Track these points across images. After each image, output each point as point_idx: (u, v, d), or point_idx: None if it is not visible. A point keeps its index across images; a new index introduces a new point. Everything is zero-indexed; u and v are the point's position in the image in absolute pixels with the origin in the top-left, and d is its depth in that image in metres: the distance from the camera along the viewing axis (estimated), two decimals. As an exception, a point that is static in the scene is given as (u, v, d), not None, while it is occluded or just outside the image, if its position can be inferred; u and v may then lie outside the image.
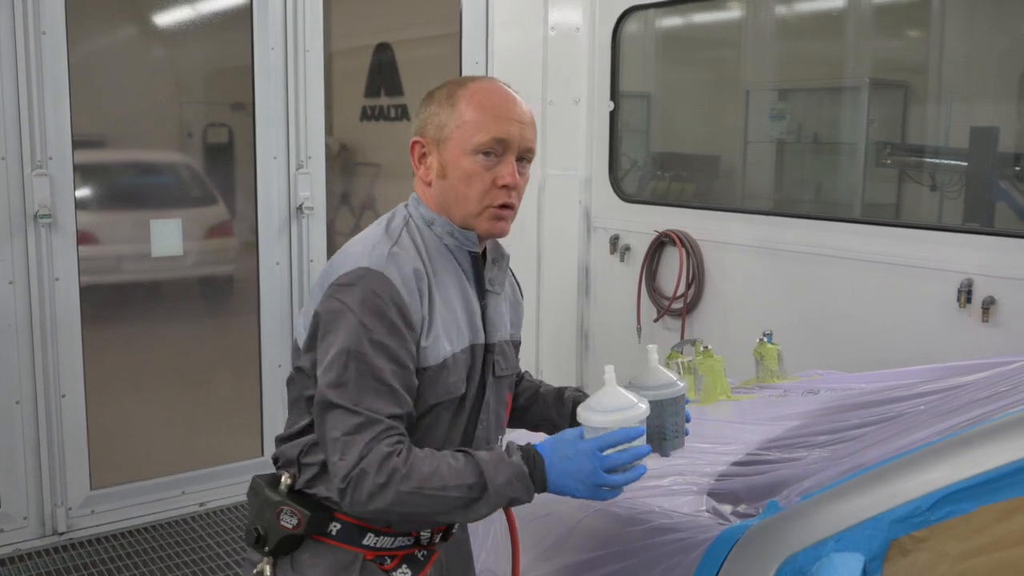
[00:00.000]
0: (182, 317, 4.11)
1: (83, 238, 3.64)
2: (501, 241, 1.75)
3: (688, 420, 1.73)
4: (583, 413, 1.54)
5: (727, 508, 1.93)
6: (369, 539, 1.61)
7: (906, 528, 1.49)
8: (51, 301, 3.52)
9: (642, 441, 1.55)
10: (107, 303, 3.82)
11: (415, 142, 1.67)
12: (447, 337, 1.58)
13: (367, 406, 1.48)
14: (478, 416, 1.68)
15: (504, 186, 1.58)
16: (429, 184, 1.65)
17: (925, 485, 1.49)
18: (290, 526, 1.59)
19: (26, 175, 3.43)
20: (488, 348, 1.67)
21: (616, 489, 1.55)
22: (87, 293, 3.64)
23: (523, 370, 1.95)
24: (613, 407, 1.52)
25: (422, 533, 1.66)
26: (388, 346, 1.50)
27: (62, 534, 3.63)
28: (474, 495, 1.50)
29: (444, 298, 1.60)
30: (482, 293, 1.67)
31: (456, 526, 1.76)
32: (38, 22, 3.39)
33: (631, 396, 1.54)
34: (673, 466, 2.20)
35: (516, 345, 1.79)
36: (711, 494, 2.02)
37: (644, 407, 1.54)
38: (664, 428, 1.68)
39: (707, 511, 1.94)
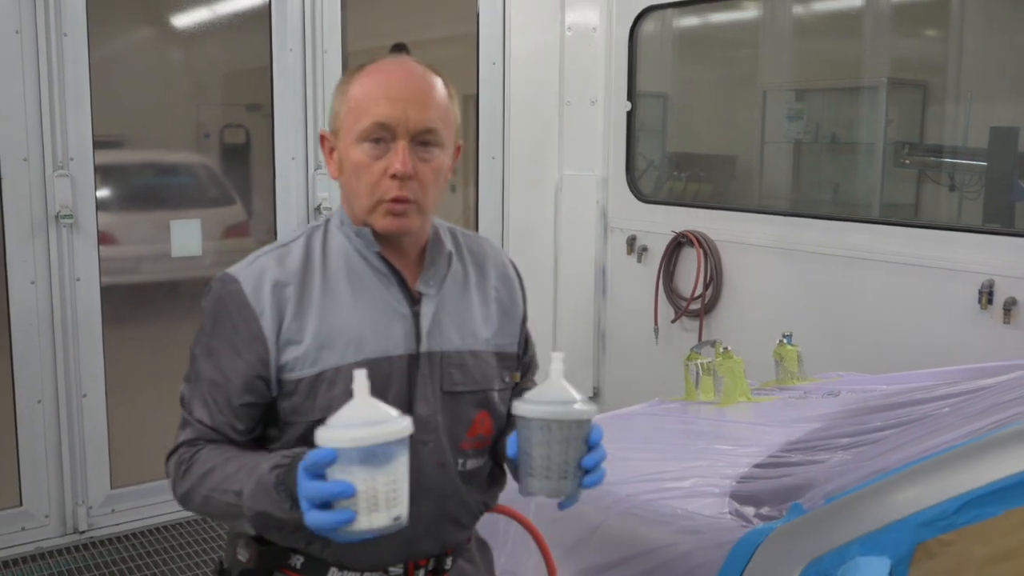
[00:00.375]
0: (201, 317, 4.12)
1: (103, 238, 3.67)
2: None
3: (593, 465, 1.30)
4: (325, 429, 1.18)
5: (750, 510, 1.93)
6: (333, 574, 1.47)
7: (932, 531, 1.49)
8: (72, 301, 3.55)
9: (378, 480, 1.14)
10: (127, 303, 3.85)
11: (322, 136, 1.52)
12: (330, 348, 1.41)
13: (189, 407, 1.45)
14: (411, 436, 1.39)
15: (394, 176, 1.39)
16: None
17: (951, 488, 1.49)
18: (244, 559, 1.48)
19: (48, 176, 3.45)
20: (427, 358, 1.46)
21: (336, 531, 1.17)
22: (107, 293, 3.67)
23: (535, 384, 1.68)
24: (360, 420, 1.15)
25: (391, 569, 1.47)
26: (217, 355, 1.43)
27: (83, 532, 3.65)
28: (239, 503, 1.33)
29: (332, 306, 1.43)
30: (412, 297, 1.48)
31: (457, 558, 1.55)
32: (59, 24, 3.41)
33: (390, 411, 1.17)
34: (694, 468, 2.21)
35: (501, 356, 1.56)
36: (733, 496, 2.02)
37: (400, 426, 1.15)
38: (550, 462, 1.28)
39: (730, 513, 1.94)
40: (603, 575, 1.95)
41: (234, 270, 1.46)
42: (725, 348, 2.89)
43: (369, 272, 1.47)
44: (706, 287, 4.13)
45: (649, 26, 4.55)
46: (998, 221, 3.91)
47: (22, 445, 3.52)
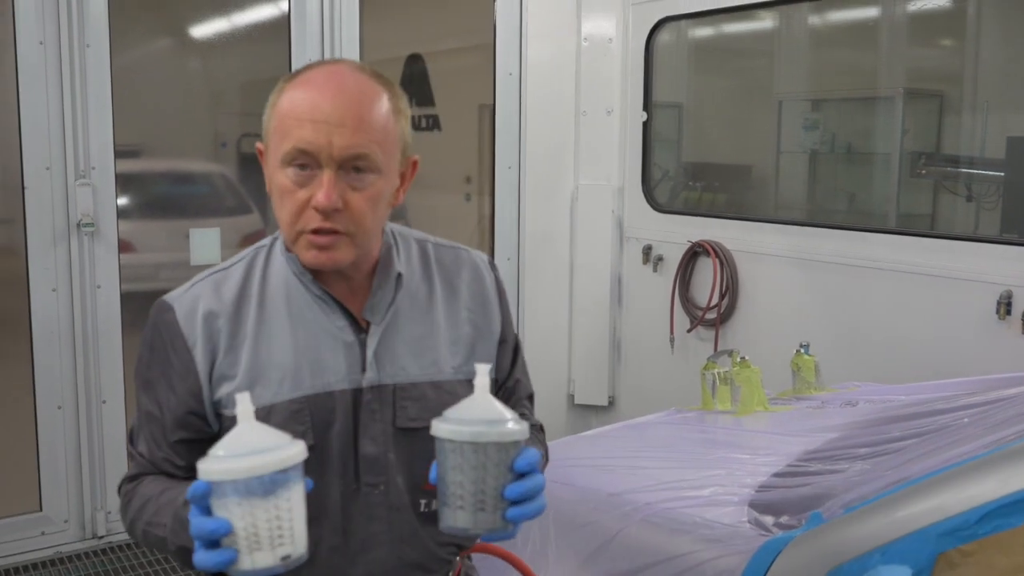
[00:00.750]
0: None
1: (122, 246, 3.70)
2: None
3: (519, 496, 1.11)
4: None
5: (769, 519, 1.93)
6: None
7: (954, 541, 1.49)
8: (93, 308, 3.58)
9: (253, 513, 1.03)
10: (146, 310, 3.86)
11: (258, 149, 1.38)
12: (264, 383, 1.30)
13: (134, 439, 1.39)
14: (357, 478, 1.32)
15: (317, 209, 1.25)
16: None
17: (973, 498, 1.49)
18: None
19: (70, 185, 3.49)
20: (375, 391, 1.33)
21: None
22: (127, 300, 3.70)
23: (532, 420, 1.53)
24: (241, 448, 1.04)
25: None
26: (154, 387, 1.34)
27: (101, 538, 3.68)
28: (166, 538, 1.25)
29: (267, 338, 1.32)
30: (359, 326, 1.35)
31: None
32: (82, 35, 3.45)
33: (280, 438, 1.07)
34: (712, 476, 2.21)
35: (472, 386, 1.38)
36: (752, 505, 2.02)
37: (283, 455, 1.04)
38: (463, 490, 1.11)
39: (748, 522, 1.94)
40: (621, 583, 1.95)
41: (171, 296, 1.36)
42: (743, 358, 2.89)
43: (308, 298, 1.34)
44: (722, 297, 4.13)
45: (665, 36, 4.57)
46: (1016, 231, 3.89)
47: (42, 450, 3.56)
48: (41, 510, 3.59)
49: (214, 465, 1.03)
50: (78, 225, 3.50)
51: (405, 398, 1.35)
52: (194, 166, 4.14)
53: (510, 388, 1.50)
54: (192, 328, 1.32)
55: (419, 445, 1.29)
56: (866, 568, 1.56)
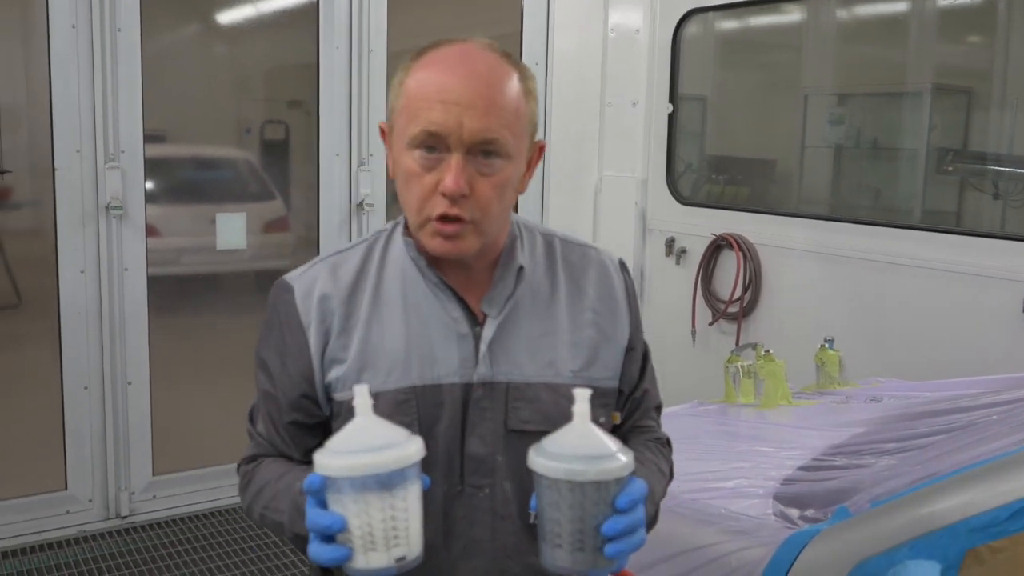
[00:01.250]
0: (242, 309, 4.19)
1: (149, 230, 3.73)
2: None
3: (616, 533, 1.04)
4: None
5: (794, 512, 1.94)
6: None
7: (984, 537, 1.49)
8: (120, 291, 3.62)
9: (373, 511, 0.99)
10: (172, 294, 3.92)
11: (381, 129, 1.33)
12: (372, 370, 1.25)
13: (252, 419, 1.37)
14: (462, 479, 1.27)
15: (444, 194, 1.20)
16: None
17: (1004, 495, 1.49)
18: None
19: (99, 168, 3.52)
20: (487, 388, 1.26)
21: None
22: (153, 284, 3.73)
23: (657, 433, 1.44)
24: (357, 444, 1.00)
25: None
26: (268, 367, 1.33)
27: (124, 517, 3.72)
28: (283, 523, 1.25)
29: (379, 324, 1.28)
30: (475, 318, 1.29)
31: None
32: (114, 19, 3.48)
33: (398, 434, 1.02)
34: (737, 469, 2.22)
35: (605, 392, 1.32)
36: (777, 498, 2.03)
37: (401, 453, 1.00)
38: (560, 527, 1.03)
39: (774, 515, 1.95)
40: (646, 572, 1.96)
41: (290, 276, 1.34)
42: (767, 351, 2.89)
43: (424, 286, 1.29)
44: (745, 290, 4.12)
45: (692, 28, 4.55)
46: (1043, 230, 3.87)
47: (68, 430, 3.60)
48: (66, 489, 3.63)
49: (331, 460, 1.00)
50: (107, 208, 3.53)
51: (518, 398, 1.27)
52: (219, 151, 4.17)
53: (638, 399, 1.41)
54: (308, 309, 1.29)
55: (524, 451, 1.16)
56: (893, 563, 1.57)
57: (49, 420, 3.58)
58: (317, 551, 1.03)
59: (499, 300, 1.29)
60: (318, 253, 4.02)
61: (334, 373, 1.27)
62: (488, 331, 1.27)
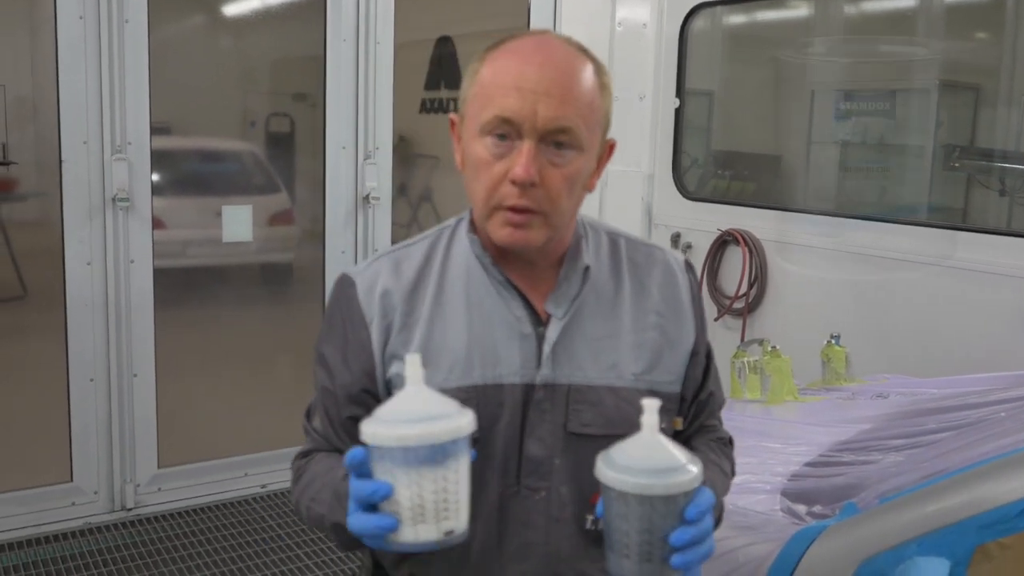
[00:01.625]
0: (248, 302, 4.20)
1: (155, 222, 3.73)
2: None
3: (684, 544, 1.03)
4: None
5: (802, 508, 1.94)
6: None
7: (993, 534, 1.49)
8: (126, 283, 3.62)
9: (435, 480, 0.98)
10: (178, 286, 3.92)
11: (451, 120, 1.31)
12: (434, 367, 1.22)
13: (309, 414, 1.36)
14: (518, 480, 1.25)
15: (514, 182, 1.18)
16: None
17: (1013, 491, 1.49)
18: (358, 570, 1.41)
19: (106, 159, 3.52)
20: (548, 390, 1.24)
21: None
22: (159, 276, 3.73)
23: (720, 433, 1.45)
24: (409, 414, 0.98)
25: None
26: (328, 362, 1.31)
27: (130, 510, 3.73)
28: (325, 515, 1.22)
29: (441, 320, 1.26)
30: (540, 317, 1.28)
31: None
32: (122, 11, 3.47)
33: (449, 405, 1.01)
34: (744, 464, 2.21)
35: (667, 397, 1.29)
36: (784, 493, 2.03)
37: (454, 424, 0.98)
38: (628, 539, 1.03)
39: (781, 510, 1.95)
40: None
41: (353, 271, 1.32)
42: (773, 347, 2.89)
43: (488, 284, 1.27)
44: (750, 286, 4.12)
45: (699, 23, 4.54)
46: (1051, 227, 3.86)
47: (74, 422, 3.61)
48: (72, 481, 3.64)
49: (383, 429, 0.97)
50: (113, 200, 3.53)
51: (580, 401, 1.25)
52: (225, 144, 4.17)
53: (703, 401, 1.40)
54: (370, 305, 1.27)
55: (590, 454, 1.13)
56: (902, 559, 1.56)
57: (55, 412, 3.58)
58: (359, 521, 1.01)
59: (564, 300, 1.27)
60: (324, 246, 4.07)
61: (395, 368, 1.26)
62: (552, 332, 1.26)
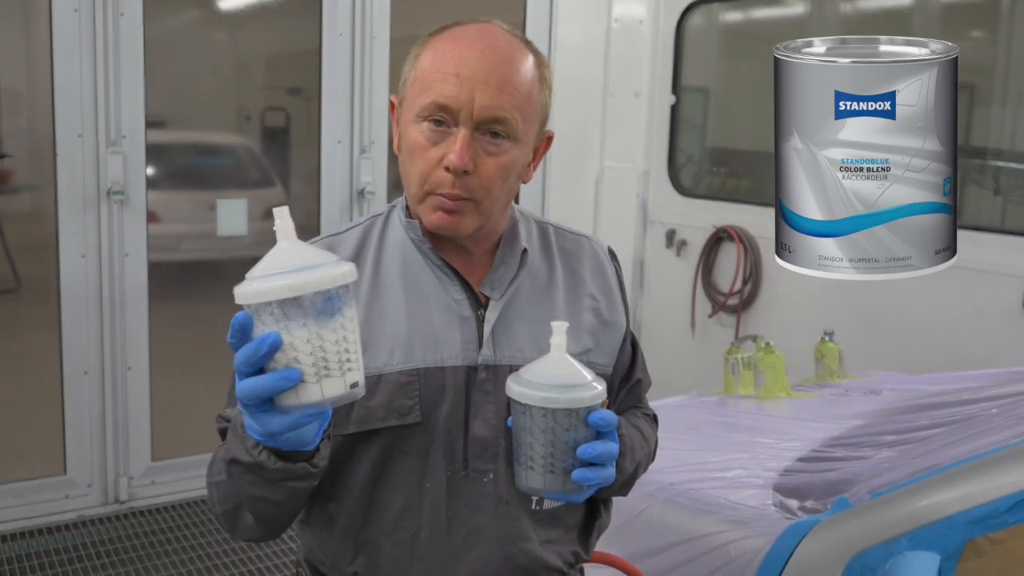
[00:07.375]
0: (242, 296, 4.19)
1: (150, 216, 3.73)
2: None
3: (592, 456, 1.08)
4: None
5: (794, 503, 1.95)
6: None
7: (983, 529, 1.50)
8: (120, 276, 3.61)
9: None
10: (172, 280, 3.91)
11: (391, 103, 1.30)
12: (372, 351, 1.21)
13: (226, 406, 1.29)
14: (466, 463, 1.24)
15: (448, 168, 1.18)
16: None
17: (1004, 487, 1.50)
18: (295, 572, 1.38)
19: (101, 152, 3.51)
20: (491, 371, 1.24)
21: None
22: (154, 269, 3.73)
23: (646, 410, 1.46)
24: (287, 266, 0.94)
25: None
26: None
27: (123, 502, 3.73)
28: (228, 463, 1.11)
29: (378, 305, 1.25)
30: (479, 300, 1.28)
31: None
32: (116, 4, 3.46)
33: (324, 255, 0.95)
34: (737, 459, 2.22)
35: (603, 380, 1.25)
36: (777, 488, 2.03)
37: (347, 267, 0.94)
38: (532, 451, 1.09)
39: (773, 505, 1.96)
40: (645, 561, 1.97)
41: None
42: (767, 343, 2.89)
43: (425, 268, 1.27)
44: (745, 283, 4.13)
45: (695, 19, 4.54)
46: (1043, 226, 3.87)
47: (68, 415, 3.60)
48: (65, 473, 3.64)
49: (268, 284, 0.89)
50: (108, 193, 3.53)
51: None
52: (220, 138, 4.17)
53: (632, 387, 1.42)
54: None
55: None
56: (892, 554, 1.57)
57: (48, 405, 3.58)
58: (255, 384, 0.93)
59: (502, 282, 1.28)
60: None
61: None
62: (492, 313, 1.26)
